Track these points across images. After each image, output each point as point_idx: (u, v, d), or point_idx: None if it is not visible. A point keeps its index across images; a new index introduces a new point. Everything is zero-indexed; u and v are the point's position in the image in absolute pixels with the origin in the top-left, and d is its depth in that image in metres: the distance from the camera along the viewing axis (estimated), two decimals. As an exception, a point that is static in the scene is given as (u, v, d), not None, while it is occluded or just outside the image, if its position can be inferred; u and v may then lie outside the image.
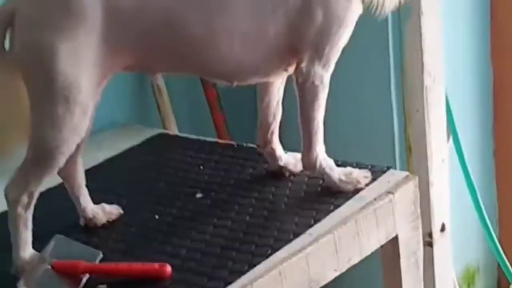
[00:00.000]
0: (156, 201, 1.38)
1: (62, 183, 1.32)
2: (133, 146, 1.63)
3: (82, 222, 1.32)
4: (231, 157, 1.51)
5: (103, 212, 1.33)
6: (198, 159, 1.52)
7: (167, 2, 1.16)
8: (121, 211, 1.34)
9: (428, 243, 1.59)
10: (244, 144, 1.56)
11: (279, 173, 1.40)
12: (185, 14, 1.17)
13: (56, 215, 1.35)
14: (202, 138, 1.64)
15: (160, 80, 1.79)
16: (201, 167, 1.49)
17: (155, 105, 1.80)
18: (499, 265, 2.13)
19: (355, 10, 1.26)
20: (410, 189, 1.33)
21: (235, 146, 1.56)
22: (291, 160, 1.41)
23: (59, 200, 1.35)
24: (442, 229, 1.63)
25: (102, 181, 1.41)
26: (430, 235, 1.59)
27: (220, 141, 1.68)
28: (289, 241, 1.20)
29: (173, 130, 1.78)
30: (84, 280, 1.15)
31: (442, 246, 1.62)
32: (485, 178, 2.21)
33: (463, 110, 2.03)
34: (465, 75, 2.07)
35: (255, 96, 1.94)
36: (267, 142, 1.39)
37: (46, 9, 1.13)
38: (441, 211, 1.61)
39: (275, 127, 1.38)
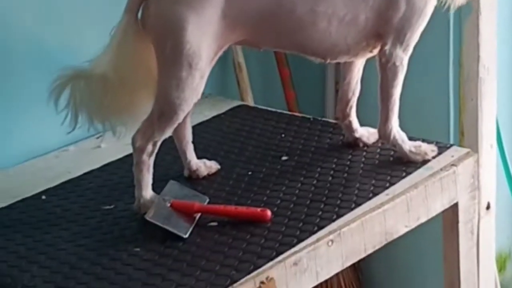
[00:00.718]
0: (247, 160, 1.57)
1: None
2: (218, 114, 1.82)
3: (186, 173, 1.52)
4: (309, 129, 1.69)
5: (205, 166, 1.52)
6: (279, 128, 1.70)
7: None
8: (219, 167, 1.54)
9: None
10: (319, 118, 1.75)
11: (354, 144, 1.58)
12: None
13: (162, 166, 1.53)
14: (279, 110, 1.83)
15: (241, 57, 1.98)
16: (283, 135, 1.67)
17: (235, 80, 1.99)
18: (529, 251, 2.29)
19: (432, 2, 1.44)
20: (470, 164, 1.51)
21: (311, 119, 1.74)
22: (365, 133, 1.59)
23: (161, 154, 1.53)
24: (488, 207, 1.79)
25: (196, 142, 1.56)
26: (478, 212, 1.77)
27: (296, 114, 1.86)
28: (369, 198, 1.38)
29: (250, 103, 1.97)
30: (197, 217, 1.36)
31: (488, 223, 1.77)
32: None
33: (503, 106, 2.15)
34: (509, 73, 2.17)
35: (324, 78, 2.13)
36: (346, 115, 1.57)
37: None
38: (487, 191, 1.77)
39: (354, 102, 1.56)
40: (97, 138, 1.69)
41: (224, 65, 2.00)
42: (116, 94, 1.35)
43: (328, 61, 1.46)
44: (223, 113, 1.82)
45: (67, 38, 1.71)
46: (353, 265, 2.12)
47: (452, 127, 1.94)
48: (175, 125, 1.38)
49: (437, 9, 1.46)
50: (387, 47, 1.43)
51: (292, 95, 2.04)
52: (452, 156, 1.51)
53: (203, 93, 1.90)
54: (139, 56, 1.36)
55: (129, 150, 1.42)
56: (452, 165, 1.48)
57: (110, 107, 1.36)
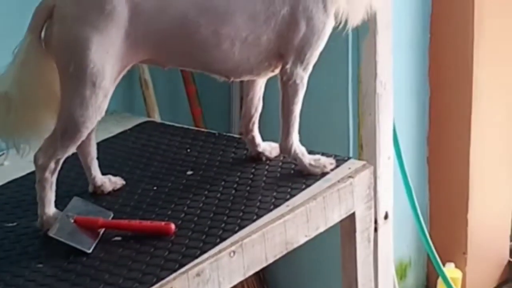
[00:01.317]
0: (152, 176, 1.60)
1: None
2: (124, 130, 1.84)
3: (91, 189, 1.53)
4: (214, 144, 1.73)
5: (110, 181, 1.54)
6: (185, 143, 1.74)
7: (183, 8, 1.39)
8: (124, 182, 1.56)
9: (374, 229, 1.83)
10: (224, 134, 1.79)
11: (257, 158, 1.64)
12: (197, 19, 1.39)
13: (66, 183, 1.54)
14: (185, 126, 1.87)
15: (147, 74, 2.01)
16: (188, 150, 1.71)
17: (142, 97, 2.02)
18: (429, 259, 2.35)
19: (330, 23, 1.51)
20: (366, 175, 1.59)
21: (217, 134, 1.78)
22: (267, 147, 1.65)
23: (64, 171, 1.54)
24: (386, 217, 1.88)
25: (101, 158, 1.57)
26: (375, 221, 1.83)
27: (202, 129, 1.90)
28: (270, 210, 1.44)
29: (157, 119, 2.00)
30: (101, 233, 1.37)
31: (385, 232, 1.87)
32: (420, 181, 2.43)
33: (403, 121, 2.27)
34: (405, 88, 2.32)
35: (229, 94, 2.18)
36: (249, 130, 1.62)
37: (83, 8, 1.34)
38: (385, 202, 1.86)
39: (256, 118, 1.62)
40: (0, 156, 1.68)
41: (130, 82, 2.03)
42: (19, 112, 1.36)
43: (232, 79, 1.52)
44: (129, 129, 1.85)
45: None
46: (258, 275, 2.18)
47: (352, 140, 2.03)
48: (78, 143, 1.40)
49: (336, 29, 1.53)
50: (288, 66, 1.49)
51: (199, 111, 2.08)
52: (349, 168, 1.58)
53: (108, 110, 1.93)
54: (42, 75, 1.38)
55: (32, 167, 1.42)
56: (349, 177, 1.56)
57: (14, 125, 1.37)
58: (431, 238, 2.26)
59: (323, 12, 1.47)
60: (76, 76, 1.34)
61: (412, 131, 2.39)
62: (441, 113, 2.41)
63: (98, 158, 1.53)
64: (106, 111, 1.89)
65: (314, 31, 1.48)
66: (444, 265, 2.34)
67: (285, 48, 1.48)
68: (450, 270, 2.37)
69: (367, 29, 1.76)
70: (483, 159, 2.44)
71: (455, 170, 2.44)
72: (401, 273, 2.48)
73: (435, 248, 2.25)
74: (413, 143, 2.40)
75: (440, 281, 2.34)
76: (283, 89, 1.52)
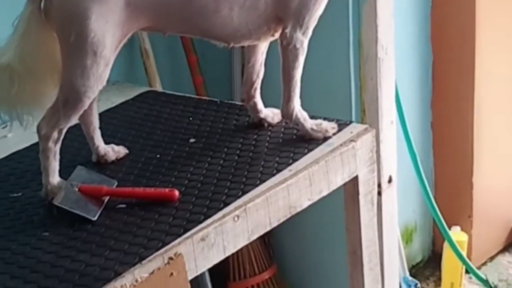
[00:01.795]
0: (155, 144, 1.60)
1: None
2: (126, 100, 1.84)
3: (94, 158, 1.54)
4: (215, 111, 1.74)
5: (113, 150, 1.55)
6: (187, 112, 1.75)
7: None
8: (127, 151, 1.57)
9: (378, 192, 1.84)
10: (226, 101, 1.80)
11: (259, 124, 1.64)
12: None
13: (70, 153, 1.56)
14: (187, 95, 1.87)
15: (147, 44, 2.01)
16: (190, 119, 1.71)
17: (143, 67, 2.02)
18: (435, 223, 2.37)
19: None
20: (368, 139, 1.59)
21: (219, 102, 1.78)
22: (269, 113, 1.65)
23: (67, 141, 1.55)
24: (390, 180, 1.87)
25: (104, 128, 1.59)
26: (379, 185, 1.83)
27: (203, 98, 1.90)
28: (273, 174, 1.44)
29: (158, 89, 2.00)
30: (106, 201, 1.38)
31: (389, 195, 1.86)
32: (424, 146, 2.44)
33: (406, 86, 2.28)
34: (408, 53, 2.31)
35: (230, 63, 2.18)
36: (251, 96, 1.62)
37: None
38: (389, 165, 1.85)
39: (258, 84, 1.62)
40: (3, 128, 1.69)
41: (131, 52, 2.03)
42: (22, 83, 1.36)
43: (232, 45, 1.51)
44: (131, 99, 1.85)
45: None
46: (263, 239, 2.20)
47: (354, 105, 2.03)
48: (80, 112, 1.41)
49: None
50: (287, 30, 1.49)
51: (200, 80, 2.08)
52: (351, 132, 1.58)
53: (110, 80, 1.94)
54: (43, 45, 1.38)
55: (36, 138, 1.42)
56: (351, 140, 1.56)
57: (17, 96, 1.37)
58: (436, 202, 2.26)
59: None
60: (76, 46, 1.34)
61: (415, 96, 2.38)
62: (444, 77, 2.41)
63: (100, 128, 1.54)
64: (108, 82, 1.90)
65: None
66: (449, 228, 2.35)
67: (283, 12, 1.47)
68: (456, 234, 2.38)
69: (367, -8, 1.75)
70: (487, 122, 2.44)
71: (459, 134, 2.44)
72: (407, 237, 2.49)
73: (441, 212, 2.26)
74: (417, 108, 2.39)
75: (446, 244, 2.36)
76: (283, 54, 1.51)
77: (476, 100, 2.38)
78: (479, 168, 2.46)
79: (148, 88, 1.94)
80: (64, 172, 1.43)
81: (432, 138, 2.48)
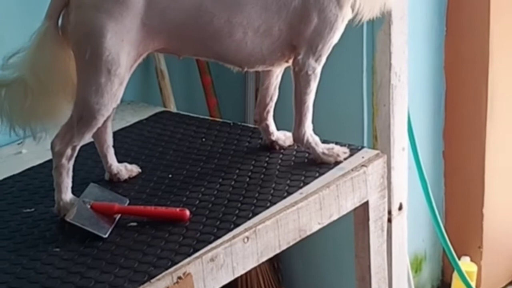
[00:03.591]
0: (168, 164, 1.61)
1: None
2: (140, 120, 1.86)
3: (107, 176, 1.55)
4: (228, 133, 1.75)
5: (126, 169, 1.56)
6: (200, 133, 1.76)
7: None
8: (140, 170, 1.58)
9: (388, 219, 1.84)
10: (239, 123, 1.81)
11: (270, 147, 1.65)
12: (211, 9, 1.41)
13: (84, 170, 1.57)
14: (201, 116, 1.88)
15: (163, 65, 2.03)
16: (203, 140, 1.72)
17: (158, 87, 2.04)
18: (444, 253, 2.37)
19: (345, 16, 1.51)
20: (380, 164, 1.60)
21: (232, 124, 1.79)
22: (281, 136, 1.66)
23: (82, 159, 1.57)
24: (400, 208, 1.87)
25: (118, 147, 1.60)
26: (389, 212, 1.83)
27: (217, 119, 1.92)
28: (283, 197, 1.45)
29: (172, 109, 2.02)
30: (117, 218, 1.39)
31: (400, 223, 1.86)
32: (436, 174, 2.44)
33: (418, 114, 2.28)
34: (421, 82, 2.32)
35: (244, 85, 2.20)
36: (263, 118, 1.63)
37: None
38: (399, 192, 1.85)
39: (271, 107, 1.63)
40: (18, 144, 1.71)
41: (146, 73, 2.05)
42: (36, 98, 1.37)
43: (246, 69, 1.53)
44: (145, 119, 1.87)
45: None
46: (272, 264, 2.20)
47: (366, 131, 2.03)
48: (94, 130, 1.42)
49: (352, 21, 1.54)
50: (300, 57, 1.50)
51: (214, 101, 2.10)
52: (363, 157, 1.59)
53: (125, 100, 1.97)
54: (59, 62, 1.40)
55: (50, 155, 1.44)
56: (363, 165, 1.56)
57: (30, 111, 1.39)
58: (446, 232, 2.25)
59: (335, 5, 1.48)
60: (91, 63, 1.36)
61: (428, 125, 2.39)
62: (457, 106, 2.41)
63: (114, 147, 1.55)
64: (123, 101, 1.93)
65: (326, 23, 1.48)
66: (459, 258, 2.34)
67: (297, 39, 1.49)
68: (466, 264, 2.37)
69: (382, 19, 1.75)
70: (498, 152, 2.43)
71: (470, 164, 2.44)
72: (416, 266, 2.48)
73: (451, 242, 2.25)
74: (429, 137, 2.40)
75: (455, 275, 2.34)
76: (295, 79, 1.53)
77: (488, 130, 2.38)
78: (490, 199, 2.45)
79: (162, 109, 1.95)
80: (78, 189, 1.45)
81: (444, 167, 2.47)
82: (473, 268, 2.39)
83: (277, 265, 2.23)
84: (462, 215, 2.49)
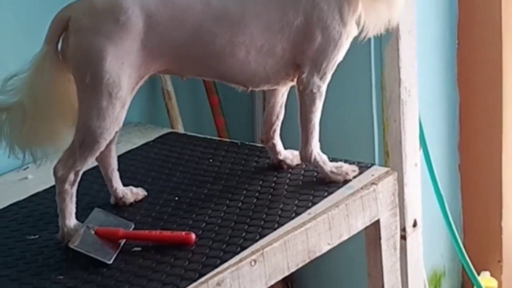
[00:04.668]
0: (174, 186, 1.59)
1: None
2: (147, 141, 1.84)
3: (112, 200, 1.53)
4: (236, 153, 1.73)
5: (131, 193, 1.54)
6: (207, 154, 1.74)
7: (198, 19, 1.38)
8: (146, 193, 1.56)
9: (402, 237, 1.80)
10: (247, 143, 1.78)
11: (278, 166, 1.62)
12: (212, 29, 1.39)
13: (89, 195, 1.56)
14: (208, 136, 1.86)
15: (170, 86, 2.01)
16: (211, 160, 1.70)
17: (165, 108, 2.02)
18: (463, 268, 2.32)
19: (350, 33, 1.49)
20: (390, 182, 1.56)
21: (239, 144, 1.77)
22: (289, 155, 1.63)
23: (87, 183, 1.56)
24: (414, 224, 1.84)
25: (124, 170, 1.59)
26: (404, 229, 1.80)
27: (224, 139, 1.90)
28: (291, 218, 1.42)
29: (180, 130, 2.00)
30: (122, 244, 1.37)
31: (415, 240, 1.83)
32: (452, 189, 2.40)
33: (432, 128, 2.25)
34: (434, 95, 2.29)
35: (252, 104, 2.18)
36: (269, 138, 1.61)
37: (98, 19, 1.35)
38: (413, 209, 1.83)
39: (278, 126, 1.60)
40: (24, 169, 1.70)
41: (153, 94, 2.03)
42: (34, 123, 1.36)
43: (250, 89, 1.51)
44: (152, 141, 1.85)
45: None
46: (286, 283, 2.16)
47: (377, 148, 2.00)
48: (97, 154, 1.40)
49: (358, 37, 1.52)
50: (304, 76, 1.48)
51: (222, 121, 2.08)
52: (373, 175, 1.56)
53: (132, 121, 1.96)
54: (58, 86, 1.38)
55: (55, 180, 1.43)
56: (372, 183, 1.53)
57: (30, 135, 1.37)
58: (465, 247, 2.22)
59: (339, 22, 1.45)
60: (92, 87, 1.35)
61: (442, 138, 2.35)
62: (471, 118, 2.38)
63: (120, 170, 1.53)
64: (130, 123, 1.94)
65: (329, 41, 1.46)
66: (479, 274, 2.30)
67: (301, 58, 1.47)
68: (485, 279, 2.33)
69: (389, 34, 1.72)
70: (516, 165, 2.40)
71: (487, 177, 2.40)
72: (436, 282, 2.43)
73: (470, 257, 2.21)
74: (444, 150, 2.36)
75: (475, 290, 2.30)
76: (300, 98, 1.50)
77: (504, 142, 2.35)
78: (508, 212, 2.41)
79: (169, 130, 1.94)
80: (83, 214, 1.43)
81: (460, 181, 2.43)
82: (493, 283, 2.35)
83: (291, 285, 2.19)
84: (480, 229, 2.45)
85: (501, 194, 2.38)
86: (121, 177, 1.54)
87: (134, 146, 1.81)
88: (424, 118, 2.02)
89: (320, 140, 1.56)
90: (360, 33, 1.51)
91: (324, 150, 1.57)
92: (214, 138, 1.87)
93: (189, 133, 1.90)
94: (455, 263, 2.45)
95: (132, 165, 1.71)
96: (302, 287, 2.25)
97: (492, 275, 2.38)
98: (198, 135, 1.87)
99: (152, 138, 1.86)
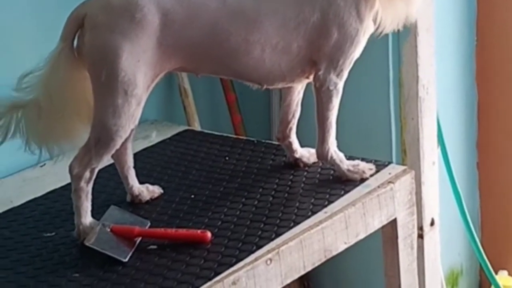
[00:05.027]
0: (190, 184, 1.59)
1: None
2: (164, 139, 1.84)
3: (128, 198, 1.53)
4: (252, 151, 1.72)
5: (147, 190, 1.54)
6: (223, 151, 1.73)
7: (213, 16, 1.38)
8: (162, 191, 1.55)
9: (420, 235, 1.79)
10: (263, 141, 1.78)
11: (294, 164, 1.61)
12: (227, 27, 1.39)
13: (105, 192, 1.56)
14: (224, 134, 1.85)
15: (186, 83, 2.01)
16: (227, 158, 1.69)
17: (181, 106, 2.02)
18: (481, 267, 2.30)
19: (367, 30, 1.47)
20: (407, 180, 1.55)
21: (255, 141, 1.76)
22: (305, 153, 1.62)
23: (103, 180, 1.56)
24: (432, 223, 1.83)
25: (140, 168, 1.59)
26: (421, 228, 1.79)
27: (241, 137, 1.89)
28: (308, 216, 1.41)
29: (197, 128, 2.00)
30: (137, 241, 1.37)
31: (432, 238, 1.82)
32: (470, 187, 2.38)
33: (451, 125, 2.23)
34: (453, 92, 2.27)
35: (269, 101, 2.17)
36: (286, 136, 1.60)
37: (114, 16, 1.34)
38: (431, 208, 1.82)
39: (294, 124, 1.59)
40: (41, 166, 1.70)
41: (170, 91, 2.03)
42: (50, 120, 1.36)
43: (265, 87, 1.50)
44: (169, 138, 1.85)
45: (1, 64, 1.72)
46: (303, 283, 2.16)
47: (394, 146, 1.99)
48: (113, 152, 1.40)
49: (375, 33, 1.50)
50: (320, 73, 1.47)
51: (239, 119, 2.07)
52: (390, 174, 1.54)
53: (149, 119, 1.96)
54: (73, 83, 1.38)
55: (71, 177, 1.42)
56: (389, 182, 1.52)
57: (46, 132, 1.38)
58: (482, 245, 2.20)
59: (356, 19, 1.44)
60: (108, 84, 1.35)
61: (460, 136, 2.34)
62: (490, 116, 2.36)
63: (136, 167, 1.53)
64: (146, 120, 1.93)
65: (346, 38, 1.44)
66: (497, 273, 2.28)
67: (317, 55, 1.45)
68: (503, 278, 2.31)
69: (407, 31, 1.72)
70: (535, 162, 2.38)
71: (506, 175, 2.38)
72: (453, 281, 2.42)
73: (487, 255, 2.20)
74: (462, 148, 2.35)
75: (493, 290, 2.28)
76: (317, 95, 1.49)
77: (523, 139, 2.33)
78: (527, 210, 2.40)
79: (186, 127, 1.93)
80: (99, 212, 1.43)
81: (478, 179, 2.42)
82: (511, 282, 2.33)
83: (307, 284, 2.18)
84: (498, 227, 2.43)
85: (520, 192, 2.36)
86: (137, 175, 1.53)
87: (151, 144, 1.81)
88: (442, 116, 2.01)
89: (337, 138, 1.55)
90: (377, 30, 1.49)
91: (341, 148, 1.56)
92: (230, 135, 1.86)
93: (205, 131, 1.89)
94: (473, 261, 2.44)
95: (148, 163, 1.70)
96: (319, 287, 2.25)
97: (510, 274, 2.35)
98: (215, 132, 1.86)
99: (169, 136, 1.85)
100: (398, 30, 1.53)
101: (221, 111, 2.09)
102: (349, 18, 1.43)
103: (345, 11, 1.43)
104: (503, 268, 2.35)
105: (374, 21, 1.48)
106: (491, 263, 2.20)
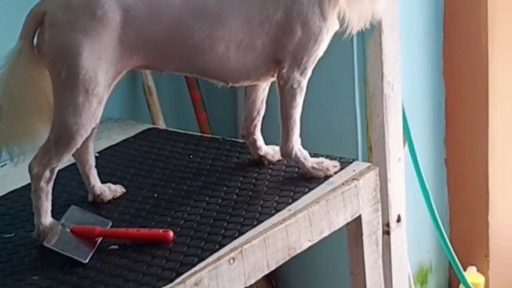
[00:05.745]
0: (154, 183, 1.57)
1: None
2: (127, 138, 1.82)
3: (90, 198, 1.51)
4: (217, 149, 1.70)
5: (109, 190, 1.52)
6: (188, 150, 1.71)
7: (176, 13, 1.36)
8: (124, 190, 1.53)
9: (386, 232, 1.79)
10: (228, 139, 1.76)
11: (259, 162, 1.60)
12: (191, 23, 1.37)
13: (66, 192, 1.53)
14: (189, 132, 1.84)
15: (150, 81, 1.99)
16: (191, 156, 1.68)
17: (146, 104, 2.00)
18: (450, 264, 2.32)
19: (331, 28, 1.47)
20: (372, 177, 1.54)
21: (220, 139, 1.75)
22: (269, 151, 1.61)
23: (65, 180, 1.54)
24: (398, 220, 1.84)
25: (103, 166, 1.58)
26: (388, 225, 1.80)
27: (206, 135, 1.88)
28: (271, 214, 1.40)
29: (161, 126, 1.98)
30: (98, 242, 1.34)
31: (398, 235, 1.82)
32: (438, 183, 2.39)
33: (418, 122, 2.24)
34: (420, 89, 2.28)
35: (234, 99, 2.16)
36: (250, 133, 1.59)
37: (74, 13, 1.32)
38: (397, 204, 1.82)
39: (258, 121, 1.59)
40: (2, 166, 1.67)
41: (134, 89, 2.01)
42: (10, 120, 1.34)
43: (230, 84, 1.48)
44: (132, 137, 1.82)
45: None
46: (270, 281, 2.15)
47: (360, 143, 1.98)
48: (73, 151, 1.38)
49: (340, 31, 1.50)
50: (284, 71, 1.46)
51: (204, 117, 2.06)
52: (354, 171, 1.54)
53: (112, 117, 1.94)
54: (34, 82, 1.36)
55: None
56: (354, 179, 1.52)
57: (6, 133, 1.35)
58: (451, 242, 2.21)
59: (319, 17, 1.44)
60: (68, 83, 1.32)
61: (428, 132, 2.34)
62: (457, 113, 2.37)
63: (99, 166, 1.51)
64: (110, 119, 1.91)
65: (310, 36, 1.44)
66: (465, 269, 2.29)
67: (281, 53, 1.44)
68: (472, 275, 2.32)
69: (372, 29, 1.71)
70: (502, 159, 2.38)
71: (474, 171, 2.39)
72: (422, 278, 2.43)
73: (456, 252, 2.21)
74: (430, 145, 2.35)
75: (462, 286, 2.28)
76: (280, 93, 1.49)
77: (491, 136, 2.34)
78: (495, 206, 2.40)
79: (150, 126, 1.91)
80: (60, 212, 1.40)
81: (446, 176, 2.42)
82: (480, 279, 2.34)
83: (275, 283, 2.17)
84: (467, 223, 2.44)
85: (488, 189, 2.37)
86: (100, 174, 1.51)
87: (114, 142, 1.79)
88: (410, 112, 2.01)
89: (303, 136, 1.54)
90: (343, 28, 1.49)
91: (307, 145, 1.55)
92: (195, 133, 1.85)
93: (169, 129, 1.88)
94: (442, 258, 2.44)
95: (112, 162, 1.68)
96: (287, 285, 2.24)
97: (478, 270, 2.37)
98: (179, 130, 1.85)
99: (132, 134, 1.83)
100: (363, 28, 1.52)
101: (186, 109, 2.07)
102: (313, 16, 1.43)
103: (309, 9, 1.43)
104: (472, 264, 2.37)
105: (342, 20, 1.47)
106: (460, 260, 2.21)
